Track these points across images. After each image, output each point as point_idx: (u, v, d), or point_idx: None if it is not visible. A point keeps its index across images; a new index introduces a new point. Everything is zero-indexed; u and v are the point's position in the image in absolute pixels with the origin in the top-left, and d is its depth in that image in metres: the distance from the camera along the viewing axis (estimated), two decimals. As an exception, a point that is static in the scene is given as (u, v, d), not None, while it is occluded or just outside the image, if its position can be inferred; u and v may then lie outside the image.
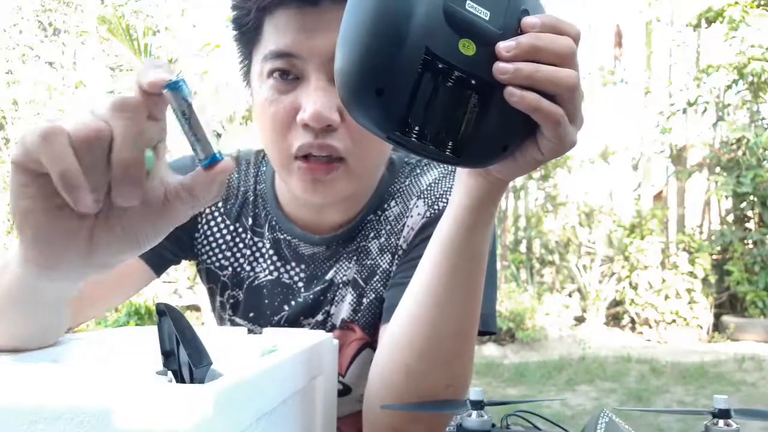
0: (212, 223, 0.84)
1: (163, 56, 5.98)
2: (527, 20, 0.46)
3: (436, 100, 0.45)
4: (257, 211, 0.83)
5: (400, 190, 0.81)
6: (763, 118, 7.35)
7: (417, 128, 0.46)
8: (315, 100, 0.64)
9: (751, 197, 7.02)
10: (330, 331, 0.81)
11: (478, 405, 0.46)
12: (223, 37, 5.95)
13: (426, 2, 0.43)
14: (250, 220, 0.83)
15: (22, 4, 8.32)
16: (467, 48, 0.44)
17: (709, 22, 7.41)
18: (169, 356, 0.43)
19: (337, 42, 0.44)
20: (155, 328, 0.47)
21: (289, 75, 0.67)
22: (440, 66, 0.44)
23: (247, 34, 0.70)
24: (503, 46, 0.44)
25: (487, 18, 0.45)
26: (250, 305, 0.83)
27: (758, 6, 7.06)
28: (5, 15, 8.27)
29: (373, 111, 0.44)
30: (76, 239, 0.40)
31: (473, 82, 0.46)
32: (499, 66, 0.44)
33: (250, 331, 0.70)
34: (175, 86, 0.38)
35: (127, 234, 0.41)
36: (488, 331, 0.72)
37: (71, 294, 0.48)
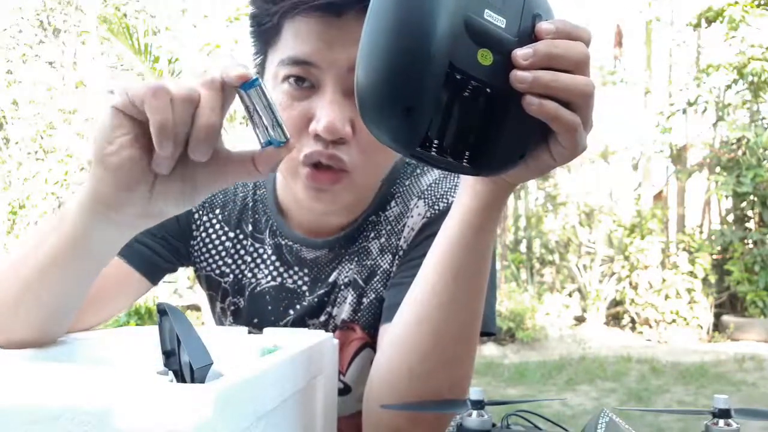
0: (210, 231, 0.83)
1: (163, 56, 5.97)
2: (542, 26, 0.45)
3: (454, 111, 0.45)
4: (257, 216, 0.83)
5: (401, 190, 0.80)
6: (763, 118, 7.34)
7: (436, 141, 0.45)
8: (329, 112, 0.64)
9: (751, 197, 7.01)
10: (332, 331, 0.80)
11: (479, 405, 0.46)
12: (223, 37, 5.95)
13: (447, 15, 0.42)
14: (250, 227, 0.83)
15: (22, 4, 8.31)
16: (485, 58, 0.44)
17: (709, 22, 7.40)
18: (169, 356, 0.43)
19: (357, 58, 0.43)
20: (155, 328, 0.47)
21: (304, 82, 0.66)
22: (458, 77, 0.44)
23: (266, 33, 0.69)
24: (521, 54, 0.44)
25: (503, 26, 0.44)
26: (253, 311, 0.82)
27: (758, 6, 7.06)
28: (5, 15, 8.26)
29: (398, 130, 0.44)
30: (144, 183, 0.47)
31: (489, 90, 0.45)
32: (518, 75, 0.44)
33: (250, 331, 0.70)
34: (255, 82, 0.46)
35: (185, 185, 0.49)
36: (487, 332, 0.72)
37: (113, 255, 0.54)
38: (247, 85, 0.46)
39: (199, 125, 0.45)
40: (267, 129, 0.47)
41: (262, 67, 0.73)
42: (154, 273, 0.80)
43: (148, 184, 0.47)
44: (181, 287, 6.71)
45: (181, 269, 0.86)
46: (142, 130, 0.45)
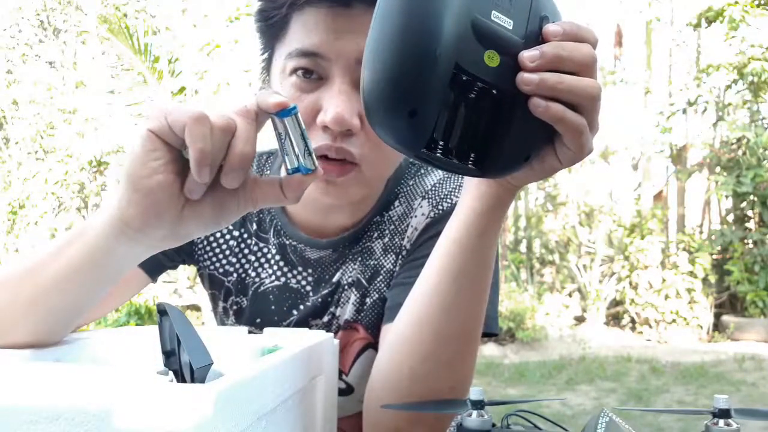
0: None
1: (163, 56, 5.96)
2: (549, 28, 0.45)
3: (459, 113, 0.45)
4: (261, 215, 0.83)
5: (405, 190, 0.80)
6: (763, 118, 7.34)
7: (441, 143, 0.45)
8: (338, 103, 0.64)
9: (751, 197, 7.00)
10: (336, 332, 0.80)
11: (479, 405, 0.46)
12: (223, 37, 5.94)
13: (454, 17, 0.42)
14: (255, 226, 0.83)
15: (22, 4, 8.31)
16: (492, 59, 0.44)
17: (709, 21, 7.40)
18: (169, 356, 0.43)
19: (363, 58, 0.43)
20: (155, 328, 0.47)
21: (312, 74, 0.66)
22: (465, 79, 0.44)
23: (273, 27, 0.68)
24: (527, 56, 0.44)
25: (510, 27, 0.44)
26: (256, 311, 0.82)
27: (758, 6, 7.05)
28: (5, 15, 8.26)
29: (403, 131, 0.44)
30: (174, 208, 0.47)
31: (495, 92, 0.45)
32: (524, 77, 0.44)
33: (250, 331, 0.70)
34: (293, 110, 0.47)
35: (214, 209, 0.49)
36: (490, 332, 0.72)
37: (131, 269, 0.54)
38: (284, 112, 0.46)
39: (234, 154, 0.45)
40: (298, 156, 0.48)
41: (268, 63, 0.72)
42: (155, 270, 0.81)
43: (178, 208, 0.47)
44: (181, 287, 6.70)
45: (181, 269, 0.87)
46: (175, 155, 0.46)
